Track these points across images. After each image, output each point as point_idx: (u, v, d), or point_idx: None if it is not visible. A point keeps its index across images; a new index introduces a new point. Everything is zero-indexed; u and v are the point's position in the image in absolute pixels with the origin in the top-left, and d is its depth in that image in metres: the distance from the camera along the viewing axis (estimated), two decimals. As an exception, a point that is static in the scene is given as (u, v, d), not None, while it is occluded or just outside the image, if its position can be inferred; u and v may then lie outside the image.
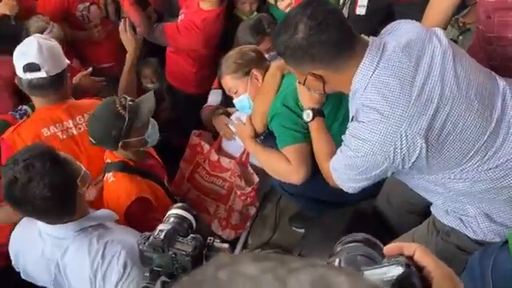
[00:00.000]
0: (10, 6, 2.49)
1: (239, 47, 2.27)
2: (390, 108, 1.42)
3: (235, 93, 2.22)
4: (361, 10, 2.39)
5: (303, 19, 1.46)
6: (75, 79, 2.57)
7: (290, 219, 2.61)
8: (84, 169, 1.64)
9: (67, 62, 2.20)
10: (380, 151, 1.44)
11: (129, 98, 2.02)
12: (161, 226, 1.12)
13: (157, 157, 2.28)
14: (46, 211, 1.48)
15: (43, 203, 1.44)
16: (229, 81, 2.21)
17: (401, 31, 1.54)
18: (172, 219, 1.15)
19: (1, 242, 2.02)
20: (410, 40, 1.49)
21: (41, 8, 2.88)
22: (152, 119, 2.08)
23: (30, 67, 2.04)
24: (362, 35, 1.54)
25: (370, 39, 1.52)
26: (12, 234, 1.71)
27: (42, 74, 2.05)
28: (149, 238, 1.09)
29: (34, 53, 2.04)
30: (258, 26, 2.55)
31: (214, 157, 2.61)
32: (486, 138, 1.46)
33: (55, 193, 1.44)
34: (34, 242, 1.60)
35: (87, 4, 2.68)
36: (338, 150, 1.63)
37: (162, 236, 1.08)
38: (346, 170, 1.60)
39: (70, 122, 2.12)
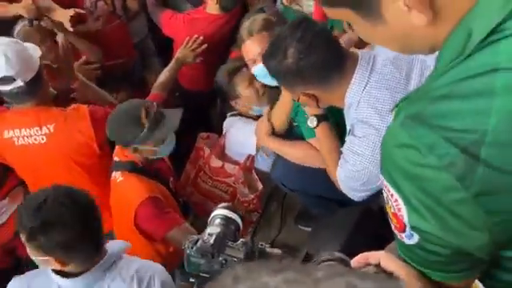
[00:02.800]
0: (28, 9, 2.36)
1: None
2: (382, 122, 1.45)
3: (254, 62, 2.05)
4: None
5: (292, 43, 1.47)
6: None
7: (296, 218, 2.60)
8: None
9: (38, 53, 2.09)
10: (376, 165, 1.44)
11: (157, 106, 1.97)
12: (209, 230, 1.06)
13: (165, 158, 2.23)
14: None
15: None
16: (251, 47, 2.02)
17: None
18: (218, 221, 1.09)
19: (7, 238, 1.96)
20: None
21: None
22: (173, 134, 2.03)
23: (5, 81, 1.96)
24: (352, 49, 1.58)
25: (360, 53, 1.54)
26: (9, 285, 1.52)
27: (18, 83, 1.97)
28: (197, 241, 1.03)
29: (2, 66, 1.94)
30: (259, 10, 2.54)
31: (218, 162, 2.56)
32: None
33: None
34: None
35: (93, 0, 2.60)
36: (339, 163, 1.65)
37: (211, 241, 1.02)
38: (349, 181, 1.62)
39: (28, 130, 2.06)
